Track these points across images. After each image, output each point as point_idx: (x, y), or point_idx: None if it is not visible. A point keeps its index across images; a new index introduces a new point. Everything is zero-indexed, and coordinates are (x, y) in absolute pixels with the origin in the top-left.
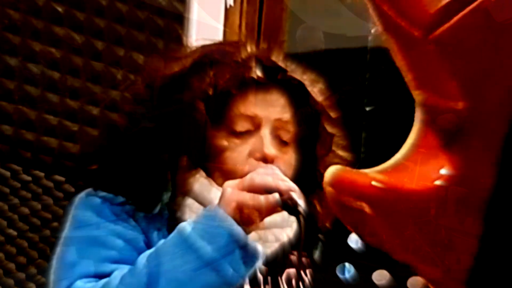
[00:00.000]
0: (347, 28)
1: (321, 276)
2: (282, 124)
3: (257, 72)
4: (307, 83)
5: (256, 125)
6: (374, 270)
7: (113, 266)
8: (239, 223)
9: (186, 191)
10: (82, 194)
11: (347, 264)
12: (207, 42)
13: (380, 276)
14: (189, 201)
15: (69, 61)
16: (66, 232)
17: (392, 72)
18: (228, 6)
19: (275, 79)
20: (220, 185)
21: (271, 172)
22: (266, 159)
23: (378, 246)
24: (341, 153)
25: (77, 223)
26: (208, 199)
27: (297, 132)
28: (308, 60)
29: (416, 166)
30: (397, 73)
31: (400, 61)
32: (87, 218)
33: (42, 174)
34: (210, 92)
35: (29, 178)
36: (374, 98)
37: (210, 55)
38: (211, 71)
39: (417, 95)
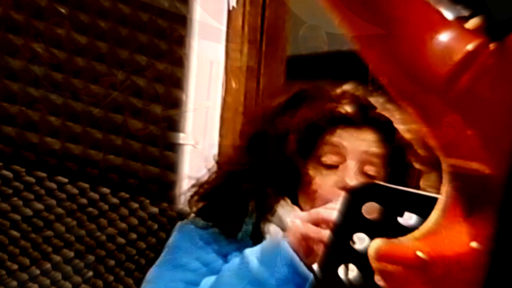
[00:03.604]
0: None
1: (322, 276)
2: (369, 158)
3: (347, 108)
4: (396, 121)
5: (343, 158)
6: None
7: (185, 286)
8: (302, 255)
9: (269, 218)
10: (180, 222)
11: (350, 265)
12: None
13: None
14: (272, 228)
15: (72, 62)
16: (160, 255)
17: None
18: (230, 8)
19: (366, 116)
20: None
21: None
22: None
23: None
24: (430, 190)
25: (169, 247)
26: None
27: (385, 168)
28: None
29: (450, 230)
30: None
31: (424, 130)
32: (177, 244)
33: (45, 175)
34: (300, 126)
35: (32, 180)
36: None
37: (304, 91)
38: (303, 106)
39: (442, 159)
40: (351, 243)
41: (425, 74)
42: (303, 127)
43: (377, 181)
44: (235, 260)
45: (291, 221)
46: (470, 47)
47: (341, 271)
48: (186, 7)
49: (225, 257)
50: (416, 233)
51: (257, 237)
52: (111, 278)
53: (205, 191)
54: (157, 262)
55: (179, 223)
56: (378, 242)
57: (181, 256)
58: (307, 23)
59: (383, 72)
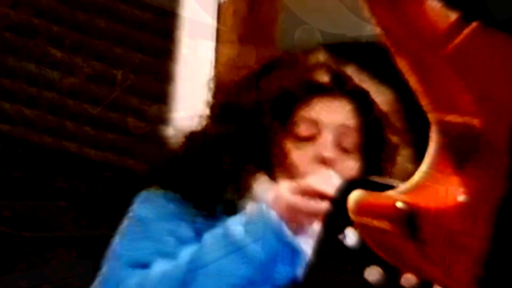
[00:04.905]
0: (347, 28)
1: (312, 270)
2: (345, 131)
3: (323, 77)
4: (373, 92)
5: (319, 130)
6: (366, 267)
7: (161, 259)
8: (288, 225)
9: (247, 194)
10: (144, 191)
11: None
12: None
13: (373, 272)
14: (250, 204)
15: (69, 60)
16: (124, 225)
17: (391, 72)
18: (221, 2)
19: (342, 87)
20: None
21: (327, 179)
22: (325, 163)
23: (400, 264)
24: (407, 165)
25: (135, 218)
26: (268, 201)
27: (360, 141)
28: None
29: (436, 184)
30: (396, 73)
31: (414, 83)
32: (145, 215)
33: (46, 175)
34: (273, 94)
35: (35, 180)
36: None
37: (279, 59)
38: (276, 73)
39: (432, 115)
40: (341, 238)
41: (424, 28)
42: (277, 95)
43: (368, 177)
44: (217, 230)
45: (277, 191)
46: None
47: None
48: (176, 3)
49: (199, 233)
50: (402, 187)
51: (232, 214)
52: None
53: (170, 163)
54: (123, 234)
55: (142, 192)
56: (357, 193)
57: (153, 230)
58: (300, 18)
59: (384, 24)
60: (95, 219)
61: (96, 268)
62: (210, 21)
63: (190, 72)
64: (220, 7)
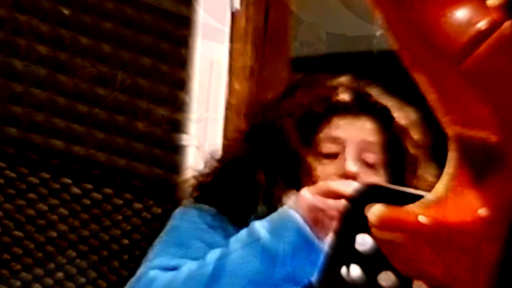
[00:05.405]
0: (347, 28)
1: (324, 277)
2: (368, 147)
3: (344, 96)
4: (392, 108)
5: (341, 147)
6: (379, 272)
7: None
8: (311, 226)
9: (278, 208)
10: (181, 205)
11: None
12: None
13: (386, 278)
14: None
15: (75, 64)
16: (161, 234)
17: (398, 75)
18: (233, 10)
19: (363, 105)
20: None
21: (347, 183)
22: (349, 178)
23: (415, 275)
24: (430, 178)
25: (171, 227)
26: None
27: (384, 156)
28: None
29: (457, 198)
30: (403, 76)
31: (430, 95)
32: (180, 224)
33: (48, 176)
34: (297, 113)
35: (36, 180)
36: None
37: (302, 80)
38: (299, 92)
39: (449, 128)
40: (354, 244)
41: (442, 43)
42: (300, 113)
43: (379, 183)
44: (242, 231)
45: (301, 192)
46: (486, 22)
47: (343, 271)
48: (189, 9)
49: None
50: (422, 201)
51: None
52: (115, 278)
53: (205, 182)
54: (158, 241)
55: (179, 208)
56: (380, 208)
57: (186, 237)
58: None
59: (401, 39)
60: (90, 219)
61: (93, 268)
62: (223, 27)
63: (205, 79)
64: (233, 14)
